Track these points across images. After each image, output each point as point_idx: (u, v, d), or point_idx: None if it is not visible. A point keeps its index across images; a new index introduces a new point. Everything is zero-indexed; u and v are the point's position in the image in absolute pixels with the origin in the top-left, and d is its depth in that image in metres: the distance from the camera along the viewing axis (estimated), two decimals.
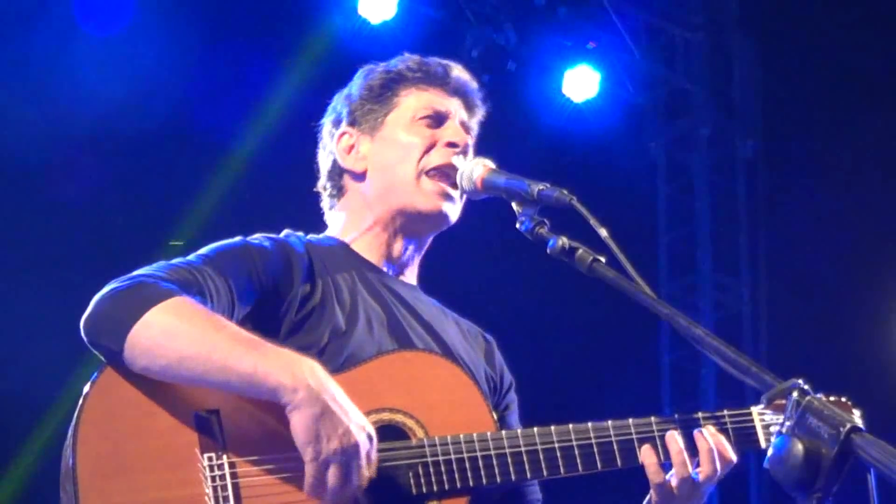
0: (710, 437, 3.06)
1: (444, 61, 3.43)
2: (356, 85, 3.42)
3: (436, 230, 3.36)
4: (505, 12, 8.75)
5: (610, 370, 8.93)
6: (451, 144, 3.30)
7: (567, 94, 9.07)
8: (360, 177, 3.37)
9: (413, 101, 3.36)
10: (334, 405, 2.79)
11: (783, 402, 2.28)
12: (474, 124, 3.43)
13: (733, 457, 3.08)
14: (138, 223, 7.63)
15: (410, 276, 3.39)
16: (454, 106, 3.38)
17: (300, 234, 3.32)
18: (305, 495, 2.85)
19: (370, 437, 2.84)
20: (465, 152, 3.32)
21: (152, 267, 2.98)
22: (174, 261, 3.03)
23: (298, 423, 2.78)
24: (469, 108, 3.41)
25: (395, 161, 3.31)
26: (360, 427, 2.82)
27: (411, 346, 3.17)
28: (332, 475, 2.80)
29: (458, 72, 3.42)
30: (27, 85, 7.46)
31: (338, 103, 3.45)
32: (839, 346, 8.69)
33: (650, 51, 9.58)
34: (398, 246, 3.34)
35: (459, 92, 3.40)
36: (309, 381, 2.79)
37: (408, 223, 3.31)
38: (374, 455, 2.84)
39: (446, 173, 3.27)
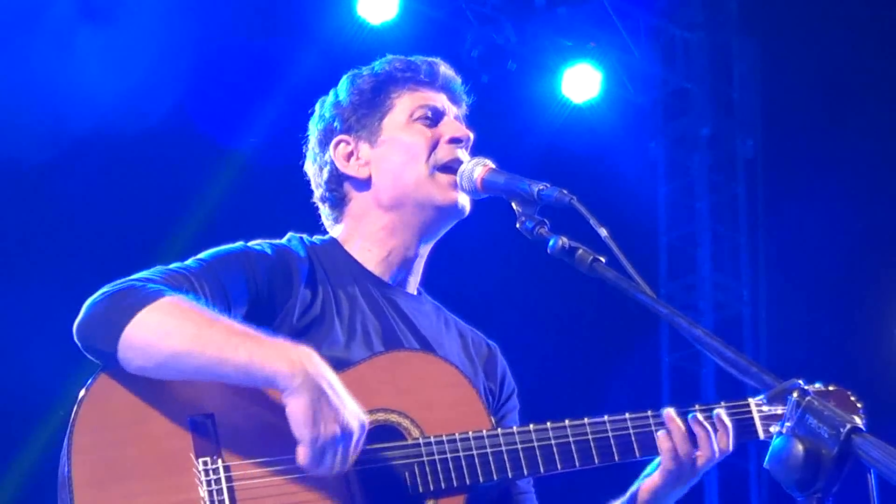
0: (705, 421, 3.10)
1: (429, 59, 3.43)
2: (344, 91, 3.40)
3: (451, 223, 3.34)
4: (505, 12, 8.75)
5: (610, 370, 8.93)
6: (455, 140, 3.31)
7: (567, 94, 9.07)
8: (365, 183, 3.34)
9: (407, 102, 3.34)
10: (331, 391, 2.81)
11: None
12: (463, 116, 3.43)
13: (730, 443, 3.13)
14: (138, 224, 7.63)
15: (413, 283, 3.37)
16: (445, 101, 3.38)
17: (304, 236, 3.31)
18: (301, 496, 2.86)
19: (363, 426, 2.84)
20: (467, 146, 3.33)
21: (148, 272, 2.99)
22: (171, 265, 3.04)
23: (296, 408, 2.79)
24: (456, 101, 3.41)
25: (402, 164, 3.30)
26: (355, 415, 2.83)
27: (403, 347, 3.17)
28: (325, 458, 2.80)
29: (444, 68, 3.42)
30: (27, 85, 7.45)
31: (326, 111, 3.42)
32: (839, 345, 8.69)
33: (650, 51, 9.58)
34: (409, 251, 3.32)
35: (446, 87, 3.40)
36: (306, 366, 2.81)
37: (425, 220, 3.30)
38: (361, 443, 2.85)
39: (455, 169, 3.27)
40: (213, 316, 2.88)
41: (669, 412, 3.10)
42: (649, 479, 3.17)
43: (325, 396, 2.79)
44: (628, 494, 3.23)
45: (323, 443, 2.79)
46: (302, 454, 2.81)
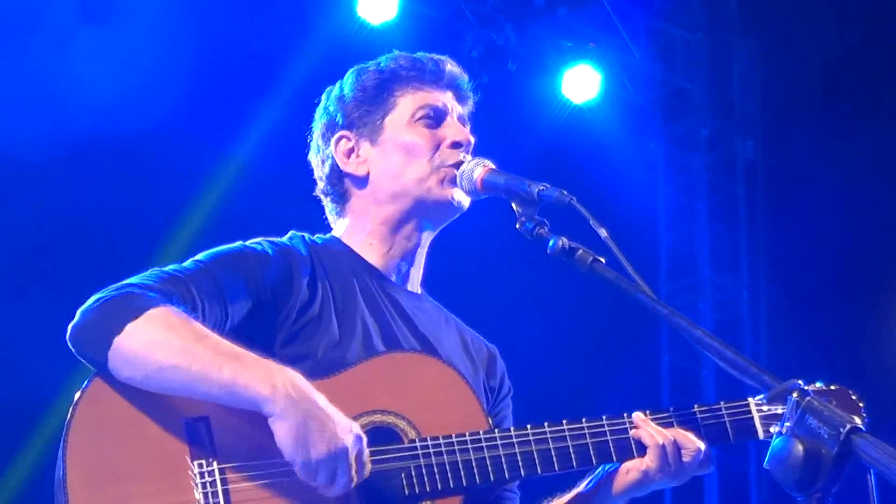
0: (656, 433, 3.09)
1: (435, 56, 3.42)
2: (348, 86, 3.39)
3: (449, 219, 3.34)
4: (505, 12, 8.75)
5: (610, 370, 8.93)
6: (456, 144, 3.30)
7: (567, 94, 9.06)
8: (363, 180, 3.34)
9: (410, 102, 3.33)
10: (317, 412, 2.81)
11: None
12: (468, 114, 3.42)
13: (699, 445, 3.12)
14: (138, 224, 7.62)
15: (416, 279, 3.37)
16: (449, 100, 3.37)
17: (305, 234, 3.31)
18: (296, 499, 2.85)
19: (359, 438, 2.84)
20: (468, 150, 3.32)
21: (144, 275, 2.98)
22: (167, 268, 3.03)
23: (283, 433, 2.80)
24: (461, 99, 3.40)
25: (402, 165, 3.29)
26: (347, 429, 2.83)
27: (401, 349, 3.17)
28: (323, 479, 2.81)
29: (450, 65, 3.41)
30: (27, 85, 7.45)
31: (330, 104, 3.41)
32: (839, 345, 8.69)
33: (650, 51, 9.58)
34: (410, 242, 3.32)
35: (452, 85, 3.39)
36: (289, 390, 2.81)
37: (422, 216, 3.30)
38: (365, 454, 2.85)
39: (456, 167, 3.27)
40: (203, 331, 2.88)
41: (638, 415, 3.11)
42: (624, 477, 3.15)
43: (312, 418, 2.79)
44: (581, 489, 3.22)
45: (316, 464, 2.80)
46: (300, 478, 2.82)
